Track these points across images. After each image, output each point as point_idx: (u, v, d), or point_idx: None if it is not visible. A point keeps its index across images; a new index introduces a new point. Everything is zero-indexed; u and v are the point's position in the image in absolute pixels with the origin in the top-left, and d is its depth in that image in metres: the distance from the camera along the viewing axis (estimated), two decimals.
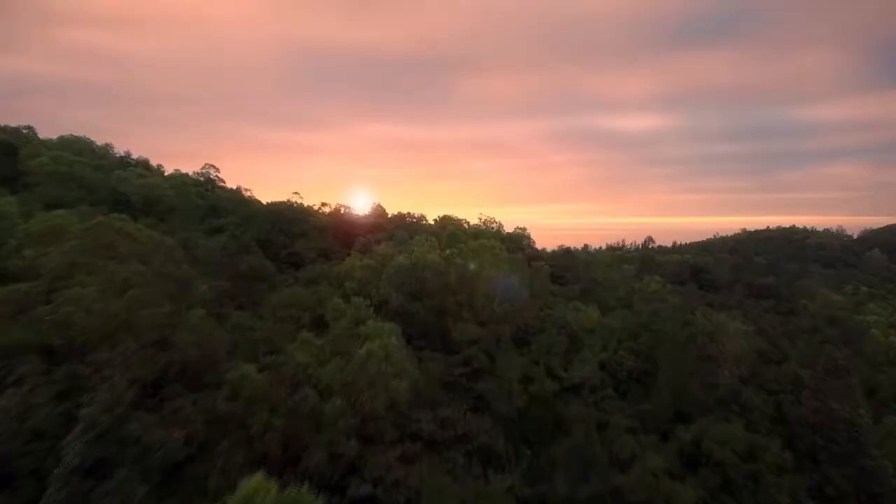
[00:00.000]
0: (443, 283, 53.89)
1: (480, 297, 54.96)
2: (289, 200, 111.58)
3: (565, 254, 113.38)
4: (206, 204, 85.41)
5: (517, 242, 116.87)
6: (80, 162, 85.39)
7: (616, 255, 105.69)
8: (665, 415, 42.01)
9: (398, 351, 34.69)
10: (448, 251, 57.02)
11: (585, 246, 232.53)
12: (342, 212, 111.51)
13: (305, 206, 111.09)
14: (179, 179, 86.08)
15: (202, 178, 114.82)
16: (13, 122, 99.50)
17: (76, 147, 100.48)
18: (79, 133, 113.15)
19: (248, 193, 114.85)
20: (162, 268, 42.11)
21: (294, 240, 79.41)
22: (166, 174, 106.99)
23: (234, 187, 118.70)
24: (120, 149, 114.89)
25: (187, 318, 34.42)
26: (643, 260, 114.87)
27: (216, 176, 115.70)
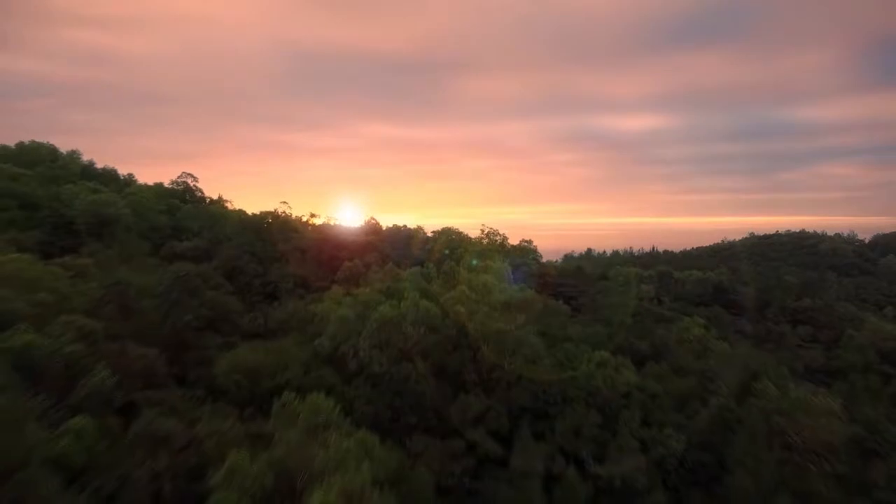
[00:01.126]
0: (439, 338, 41.59)
1: (487, 353, 42.72)
2: (275, 211, 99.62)
3: (576, 271, 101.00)
4: (171, 223, 72.87)
5: (524, 256, 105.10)
6: (27, 174, 73.10)
7: (633, 273, 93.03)
8: None
9: (371, 494, 22.34)
10: (446, 295, 44.68)
11: (589, 250, 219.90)
12: (331, 225, 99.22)
13: (293, 217, 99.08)
14: (140, 195, 73.43)
15: (180, 188, 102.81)
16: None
17: (33, 155, 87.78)
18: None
19: (229, 204, 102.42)
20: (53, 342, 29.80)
21: (270, 265, 67.01)
22: (138, 184, 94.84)
23: (216, 197, 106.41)
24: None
25: (51, 446, 22.12)
26: (661, 277, 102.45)
27: (195, 185, 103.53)
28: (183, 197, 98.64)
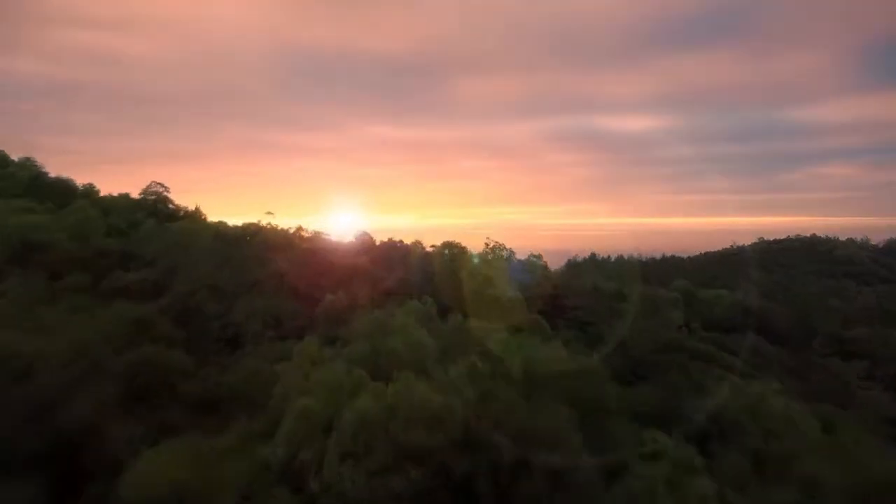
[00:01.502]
0: (442, 438, 29.02)
1: (507, 453, 30.22)
2: (259, 222, 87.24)
3: (591, 292, 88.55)
4: (120, 247, 60.07)
5: (532, 272, 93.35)
6: None
7: (665, 299, 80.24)
8: None
9: None
10: (452, 372, 32.09)
11: (593, 255, 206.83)
12: (318, 239, 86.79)
13: (279, 228, 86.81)
14: (82, 213, 60.38)
15: (151, 198, 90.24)
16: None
17: None
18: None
19: (205, 217, 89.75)
20: None
21: (235, 300, 54.30)
22: (97, 197, 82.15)
23: (193, 208, 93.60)
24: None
25: None
26: (686, 298, 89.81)
27: (166, 196, 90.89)
28: (154, 209, 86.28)
